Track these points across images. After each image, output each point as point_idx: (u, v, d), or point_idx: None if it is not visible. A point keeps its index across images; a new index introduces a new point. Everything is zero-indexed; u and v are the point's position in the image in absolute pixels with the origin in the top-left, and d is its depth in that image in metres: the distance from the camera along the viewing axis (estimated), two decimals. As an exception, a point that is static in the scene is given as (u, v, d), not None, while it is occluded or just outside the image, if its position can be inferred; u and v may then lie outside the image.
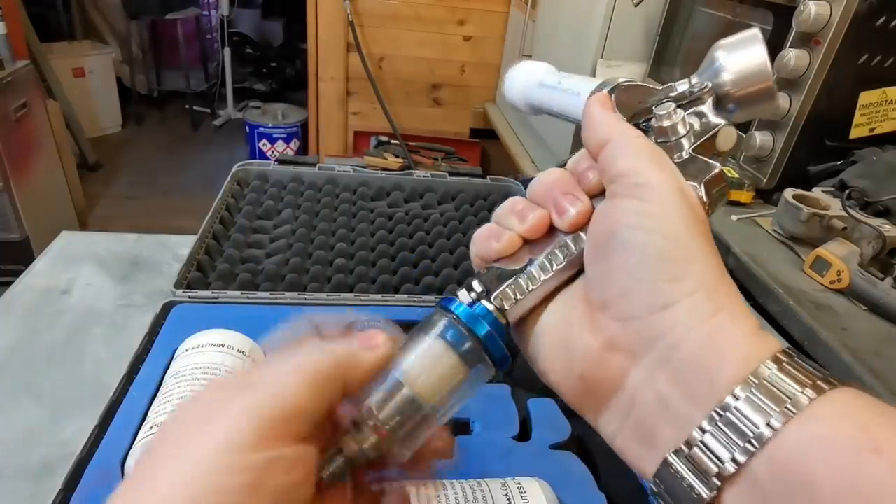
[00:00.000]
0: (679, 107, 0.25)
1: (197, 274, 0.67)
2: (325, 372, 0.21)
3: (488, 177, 0.97)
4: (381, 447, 0.22)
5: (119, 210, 2.52)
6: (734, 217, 0.86)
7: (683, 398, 0.19)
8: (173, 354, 0.51)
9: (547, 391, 0.56)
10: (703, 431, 0.18)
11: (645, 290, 0.21)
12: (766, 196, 0.91)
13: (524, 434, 0.50)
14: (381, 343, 0.23)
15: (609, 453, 0.52)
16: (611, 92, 0.27)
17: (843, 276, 0.68)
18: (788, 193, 0.78)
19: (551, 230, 0.25)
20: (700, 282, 0.20)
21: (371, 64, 2.39)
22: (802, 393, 0.17)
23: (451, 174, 0.96)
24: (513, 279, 0.24)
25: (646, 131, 0.25)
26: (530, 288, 0.24)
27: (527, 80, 0.35)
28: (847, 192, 0.76)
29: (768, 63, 0.24)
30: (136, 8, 3.18)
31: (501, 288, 0.24)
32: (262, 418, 0.19)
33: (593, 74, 1.31)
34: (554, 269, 0.24)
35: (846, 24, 0.74)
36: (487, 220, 0.98)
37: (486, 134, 2.57)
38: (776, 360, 0.18)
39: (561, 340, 0.23)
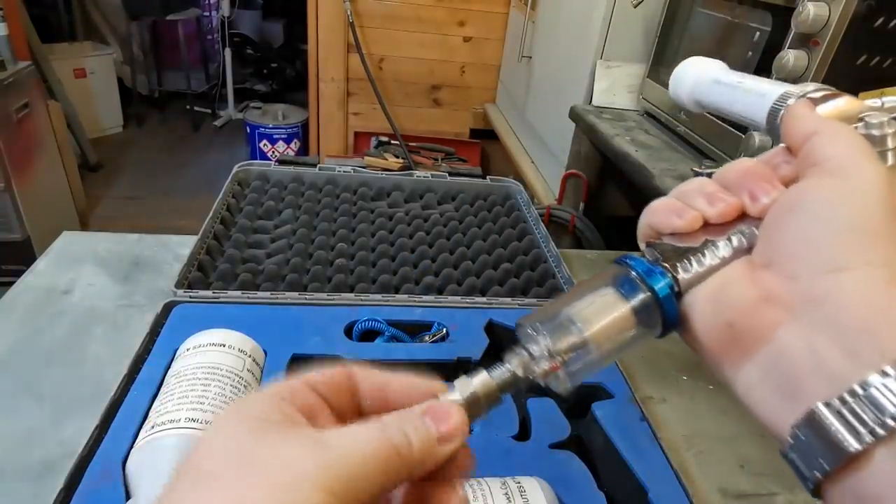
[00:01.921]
0: (893, 119, 0.25)
1: (198, 274, 0.67)
2: (402, 459, 0.19)
3: (488, 177, 0.97)
4: (546, 377, 0.23)
5: (120, 210, 2.52)
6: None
7: (843, 356, 0.19)
8: (174, 354, 0.51)
9: (546, 391, 0.56)
10: (865, 387, 0.18)
11: (821, 253, 0.20)
12: (766, 196, 0.90)
13: (524, 433, 0.50)
14: (458, 431, 0.22)
15: (608, 453, 0.52)
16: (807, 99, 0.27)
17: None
18: (788, 194, 0.78)
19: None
20: (881, 256, 0.20)
21: (371, 65, 2.39)
22: None
23: (451, 174, 0.97)
24: (694, 253, 0.24)
25: None
26: (710, 263, 0.23)
27: (700, 75, 0.36)
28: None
29: None
30: (137, 9, 3.18)
31: (682, 258, 0.24)
32: (339, 485, 0.17)
33: (593, 75, 1.32)
34: (733, 251, 0.23)
35: (845, 24, 0.74)
36: (487, 220, 0.97)
37: (485, 134, 2.58)
38: None
39: (713, 291, 0.23)
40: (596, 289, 0.24)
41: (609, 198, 1.40)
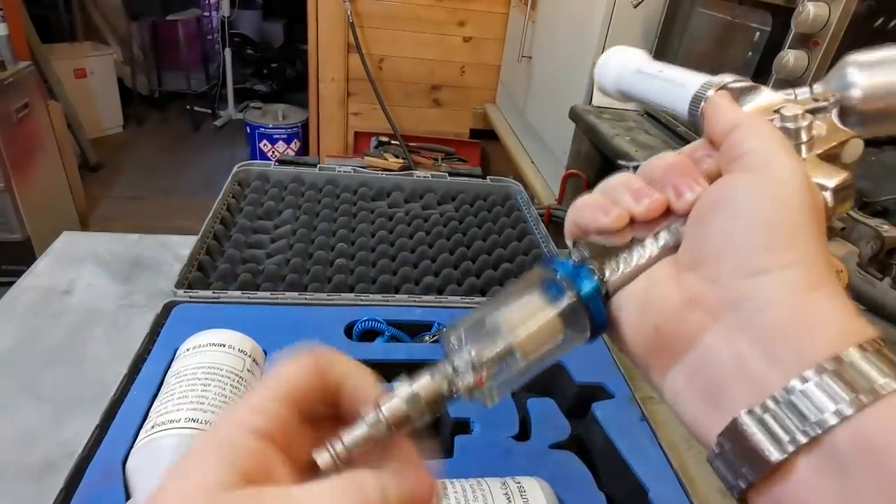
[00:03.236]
0: (807, 112, 0.24)
1: (198, 274, 0.67)
2: None
3: (488, 177, 0.97)
4: (472, 392, 0.22)
5: (120, 210, 2.52)
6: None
7: (764, 361, 0.19)
8: (174, 354, 0.51)
9: (546, 391, 0.56)
10: (787, 393, 0.18)
11: (741, 254, 0.20)
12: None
13: (524, 434, 0.50)
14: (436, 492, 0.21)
15: (608, 453, 0.52)
16: (721, 90, 0.26)
17: (841, 276, 0.68)
18: (788, 194, 0.77)
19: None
20: (800, 256, 0.20)
21: (371, 65, 2.40)
22: (884, 384, 0.17)
23: (450, 174, 0.97)
24: (621, 253, 0.23)
25: None
26: (637, 263, 0.23)
27: (622, 64, 0.35)
28: (846, 192, 0.76)
29: None
30: (138, 9, 3.18)
31: (609, 259, 0.23)
32: None
33: (593, 75, 1.32)
34: (659, 249, 0.23)
35: (845, 24, 0.74)
36: (487, 220, 0.97)
37: (485, 134, 2.58)
38: (873, 343, 0.18)
39: (641, 293, 0.23)
40: (522, 294, 0.23)
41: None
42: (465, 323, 0.23)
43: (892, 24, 0.76)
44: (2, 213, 1.80)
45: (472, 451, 0.48)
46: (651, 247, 0.23)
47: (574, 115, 1.31)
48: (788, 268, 0.20)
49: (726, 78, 0.27)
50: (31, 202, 1.86)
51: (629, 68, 0.35)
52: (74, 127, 2.52)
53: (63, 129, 2.21)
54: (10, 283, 0.67)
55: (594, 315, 0.23)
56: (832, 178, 0.23)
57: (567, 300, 0.23)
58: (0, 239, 1.83)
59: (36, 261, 0.72)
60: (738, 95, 0.26)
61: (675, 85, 0.30)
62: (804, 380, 0.17)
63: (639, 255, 0.23)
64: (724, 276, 0.20)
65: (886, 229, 0.69)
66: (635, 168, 0.26)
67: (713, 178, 0.23)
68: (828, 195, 0.22)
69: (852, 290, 0.68)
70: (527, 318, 0.22)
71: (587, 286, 0.23)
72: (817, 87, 0.26)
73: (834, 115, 0.25)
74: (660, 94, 0.32)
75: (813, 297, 0.19)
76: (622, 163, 0.28)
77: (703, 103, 0.27)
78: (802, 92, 0.26)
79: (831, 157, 0.24)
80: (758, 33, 0.88)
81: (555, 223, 1.33)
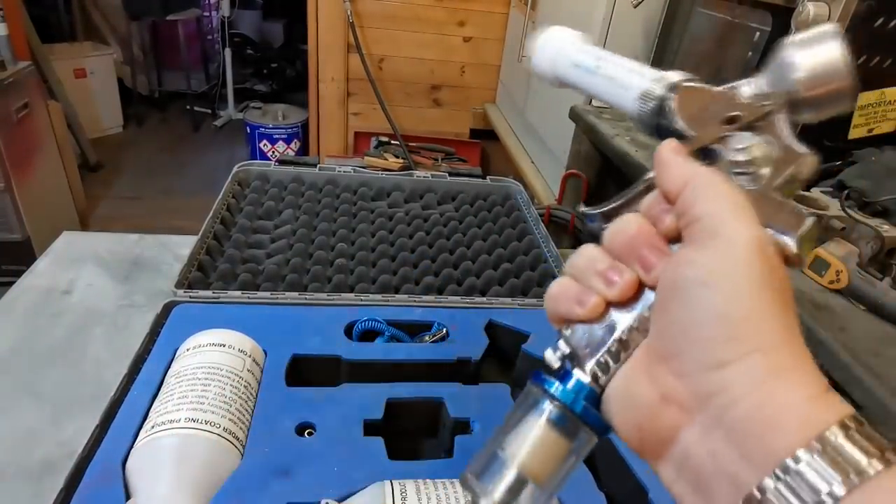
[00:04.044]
0: (754, 130, 0.24)
1: (198, 274, 0.67)
2: None
3: (488, 177, 0.97)
4: None
5: (120, 210, 2.52)
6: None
7: (738, 458, 0.19)
8: (174, 354, 0.51)
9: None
10: (763, 492, 0.18)
11: (700, 348, 0.21)
12: (766, 196, 0.90)
13: (523, 433, 0.50)
14: None
15: (608, 453, 0.52)
16: (671, 90, 0.26)
17: (841, 276, 0.68)
18: (788, 194, 0.77)
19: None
20: (759, 343, 0.20)
21: (371, 65, 2.40)
22: (869, 464, 0.17)
23: (451, 174, 0.97)
24: (605, 348, 0.24)
25: (717, 156, 0.24)
26: (623, 356, 0.23)
27: (556, 56, 0.33)
28: (845, 192, 0.76)
29: (845, 59, 0.22)
30: (138, 9, 3.18)
31: (595, 357, 0.24)
32: None
33: (593, 75, 1.32)
34: (637, 332, 0.23)
35: (845, 24, 0.74)
36: (487, 220, 0.97)
37: (485, 134, 2.58)
38: (842, 427, 0.18)
39: (621, 391, 0.23)
40: (522, 422, 0.24)
41: (609, 198, 1.40)
42: (480, 463, 0.24)
43: (893, 24, 0.76)
44: (2, 213, 1.80)
45: (472, 451, 0.47)
46: (633, 332, 0.23)
47: (574, 115, 1.31)
48: (748, 356, 0.20)
49: (674, 76, 0.26)
50: (31, 202, 1.86)
51: (565, 60, 0.33)
52: (74, 127, 2.52)
53: (63, 129, 2.21)
54: (10, 283, 0.67)
55: (592, 424, 0.24)
56: (794, 228, 0.22)
57: (565, 420, 0.23)
58: (0, 239, 1.83)
59: (36, 261, 0.72)
60: (686, 98, 0.26)
61: (618, 86, 0.29)
62: (777, 478, 0.18)
63: (622, 347, 0.23)
64: (689, 371, 0.21)
65: (886, 229, 0.69)
66: (604, 216, 0.26)
67: (674, 234, 0.24)
68: (792, 245, 0.22)
69: (852, 290, 0.68)
70: (533, 449, 0.23)
71: (580, 402, 0.23)
72: (761, 81, 0.25)
73: (784, 119, 0.24)
74: (601, 93, 0.30)
75: (774, 386, 0.19)
76: (584, 210, 0.28)
77: (654, 103, 0.27)
78: (746, 84, 0.25)
79: (788, 179, 0.24)
80: (758, 33, 0.88)
81: (555, 223, 1.33)
